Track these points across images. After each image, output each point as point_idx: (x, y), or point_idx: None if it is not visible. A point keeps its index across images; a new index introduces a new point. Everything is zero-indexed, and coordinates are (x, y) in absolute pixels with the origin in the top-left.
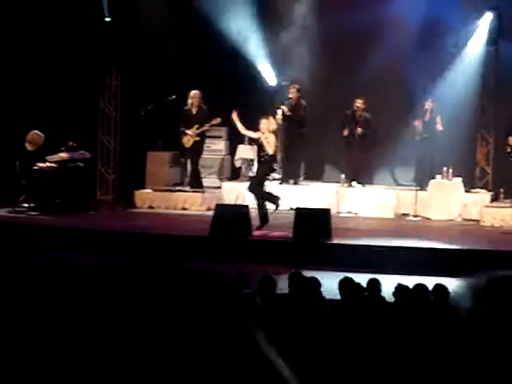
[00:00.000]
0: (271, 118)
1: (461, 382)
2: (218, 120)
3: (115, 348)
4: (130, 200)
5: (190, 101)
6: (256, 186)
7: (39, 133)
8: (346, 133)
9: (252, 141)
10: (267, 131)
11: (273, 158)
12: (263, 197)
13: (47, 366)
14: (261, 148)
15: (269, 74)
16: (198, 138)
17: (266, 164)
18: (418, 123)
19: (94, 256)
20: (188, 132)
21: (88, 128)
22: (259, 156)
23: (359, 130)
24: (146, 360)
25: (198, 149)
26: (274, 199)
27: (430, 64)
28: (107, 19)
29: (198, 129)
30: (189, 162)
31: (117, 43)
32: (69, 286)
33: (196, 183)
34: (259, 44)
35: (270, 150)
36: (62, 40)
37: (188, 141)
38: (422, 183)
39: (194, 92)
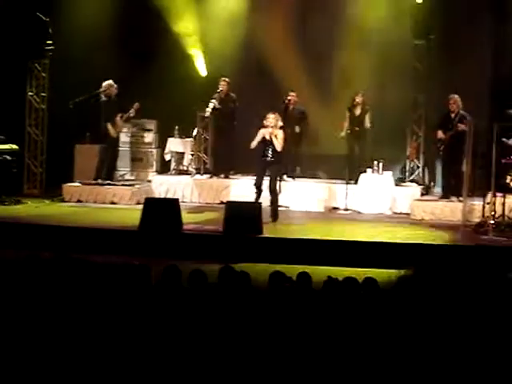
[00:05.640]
0: (277, 114)
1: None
2: (136, 105)
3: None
4: (57, 194)
5: (104, 92)
6: (274, 185)
7: None
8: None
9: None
10: (275, 127)
11: (281, 153)
12: (276, 195)
13: None
14: (268, 145)
15: (200, 65)
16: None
17: (278, 162)
18: (344, 125)
19: (21, 251)
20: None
21: (15, 120)
22: (268, 154)
23: (297, 128)
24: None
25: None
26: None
27: (360, 56)
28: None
29: (121, 118)
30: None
31: (46, 35)
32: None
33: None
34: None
35: (278, 146)
36: None
37: (115, 132)
38: (351, 177)
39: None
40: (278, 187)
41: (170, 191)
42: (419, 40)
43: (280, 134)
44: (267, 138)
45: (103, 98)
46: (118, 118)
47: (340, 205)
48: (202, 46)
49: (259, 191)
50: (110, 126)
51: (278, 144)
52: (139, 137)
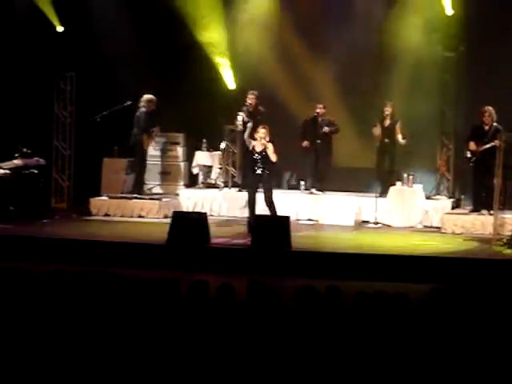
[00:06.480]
0: (267, 127)
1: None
2: (157, 129)
3: (67, 355)
4: (85, 207)
5: (144, 104)
6: (271, 197)
7: None
8: (305, 144)
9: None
10: (266, 140)
11: (274, 166)
12: (275, 206)
13: None
14: (262, 158)
15: (228, 78)
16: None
17: (269, 174)
18: (376, 132)
19: (50, 265)
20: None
21: (42, 134)
22: (259, 166)
23: (326, 128)
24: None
25: None
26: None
27: (390, 68)
28: (60, 28)
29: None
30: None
31: (71, 49)
32: (23, 295)
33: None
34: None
35: (274, 158)
36: (14, 46)
37: (147, 145)
38: (381, 190)
39: (149, 96)
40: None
41: (198, 205)
42: (449, 52)
43: (270, 146)
44: (257, 151)
45: (143, 109)
46: (151, 132)
47: (370, 218)
48: (229, 58)
49: (253, 206)
50: (145, 138)
51: (274, 156)
52: (167, 150)
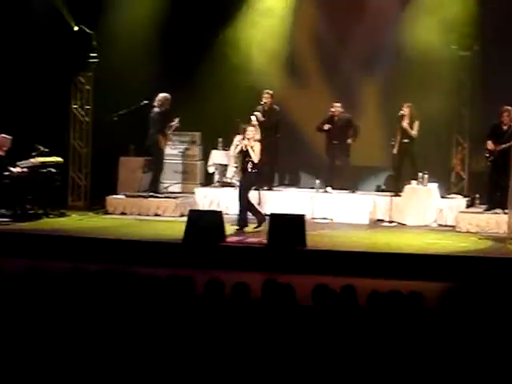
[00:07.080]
0: (257, 127)
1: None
2: (175, 121)
3: (85, 353)
4: (102, 206)
5: (158, 103)
6: (243, 197)
7: (5, 135)
8: (326, 127)
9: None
10: (253, 139)
11: (258, 166)
12: (248, 208)
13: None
14: (246, 157)
15: (243, 77)
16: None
17: (252, 173)
18: (393, 143)
19: (66, 263)
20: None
21: (60, 133)
22: (244, 165)
23: (349, 140)
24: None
25: None
26: (258, 215)
27: (405, 67)
28: (76, 28)
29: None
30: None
31: (90, 48)
32: (42, 294)
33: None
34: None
35: (255, 158)
36: (33, 45)
37: (164, 144)
38: (398, 188)
39: (163, 95)
40: (247, 197)
41: (214, 203)
42: (464, 51)
43: (256, 146)
44: (244, 149)
45: (157, 109)
46: (167, 131)
47: (384, 217)
48: (245, 57)
49: (251, 203)
50: (161, 137)
51: (256, 156)
52: (184, 149)
